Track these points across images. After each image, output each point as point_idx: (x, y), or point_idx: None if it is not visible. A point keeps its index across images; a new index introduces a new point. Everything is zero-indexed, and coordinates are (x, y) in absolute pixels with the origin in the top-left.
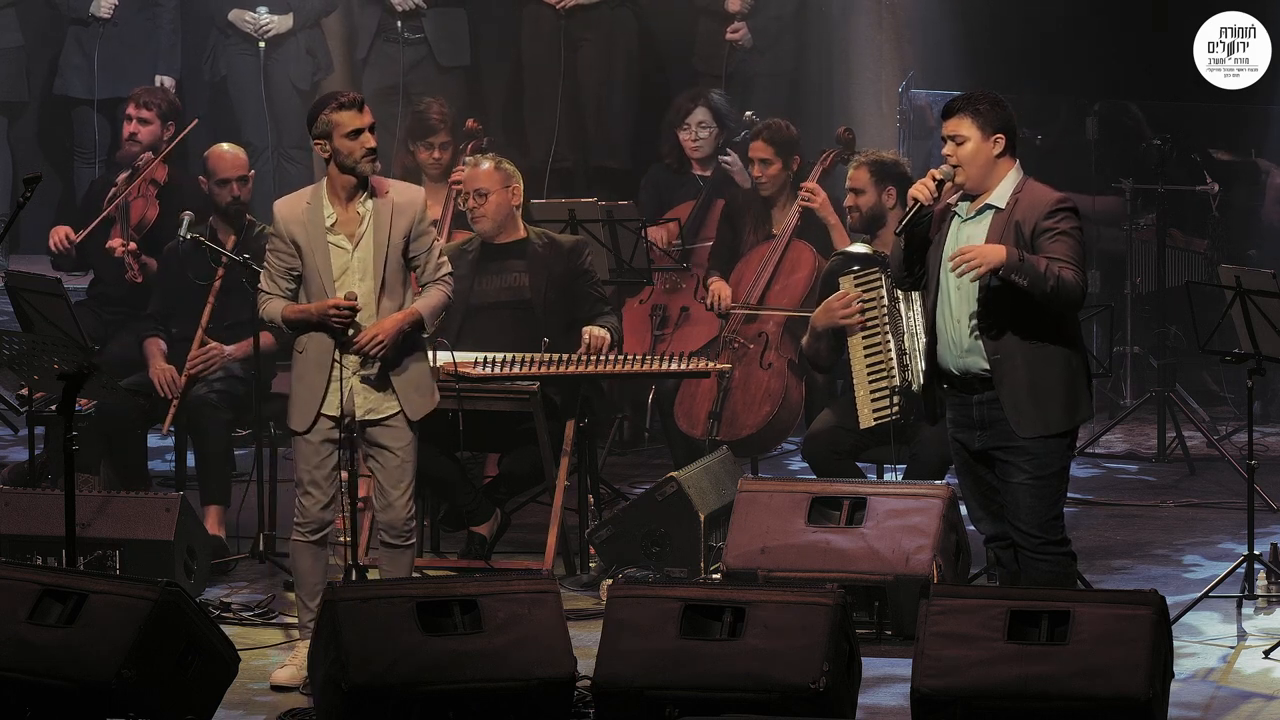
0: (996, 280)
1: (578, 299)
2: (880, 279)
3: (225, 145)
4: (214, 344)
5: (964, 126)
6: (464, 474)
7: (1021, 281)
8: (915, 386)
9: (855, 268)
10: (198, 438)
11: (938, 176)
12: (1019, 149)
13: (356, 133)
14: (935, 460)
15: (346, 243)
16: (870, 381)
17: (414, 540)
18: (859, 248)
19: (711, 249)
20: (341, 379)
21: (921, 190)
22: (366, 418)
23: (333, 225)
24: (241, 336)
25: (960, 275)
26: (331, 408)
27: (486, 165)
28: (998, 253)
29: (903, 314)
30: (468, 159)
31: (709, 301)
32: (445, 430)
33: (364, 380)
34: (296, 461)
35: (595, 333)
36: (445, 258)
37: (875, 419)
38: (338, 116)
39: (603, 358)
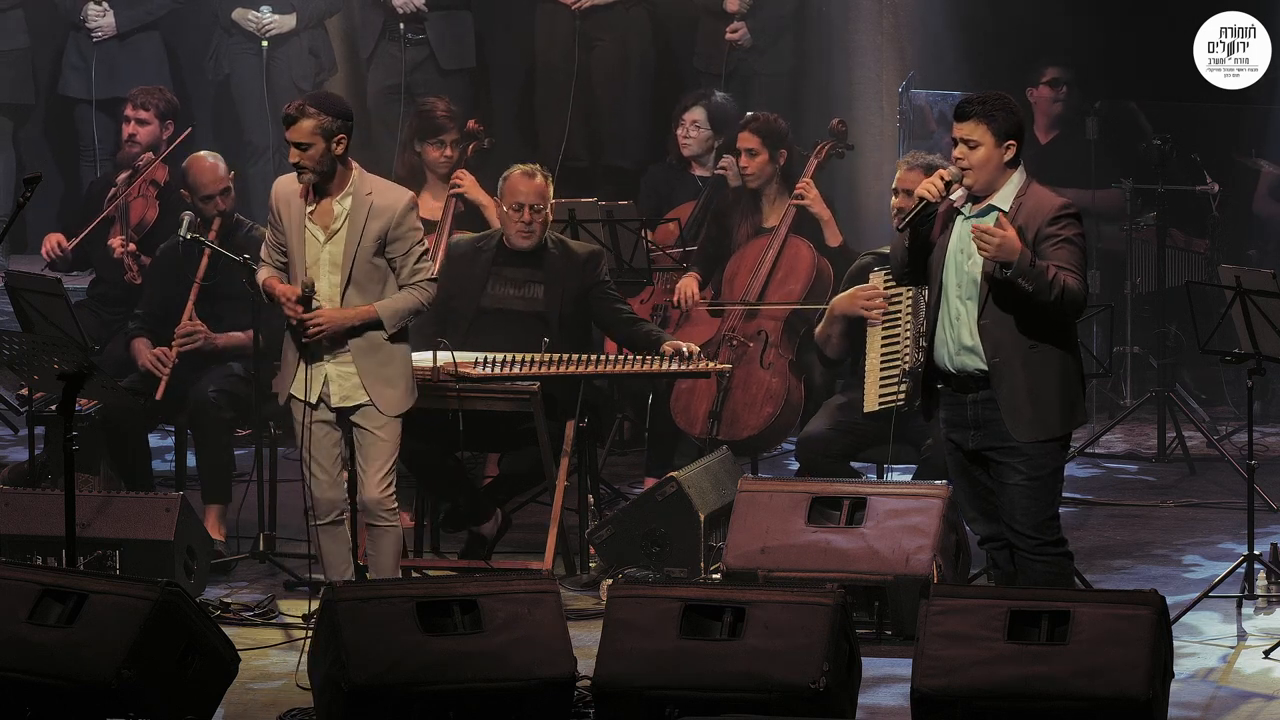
0: (1003, 275)
1: (594, 308)
2: None
3: (205, 155)
4: (199, 323)
5: (978, 132)
6: (464, 474)
7: (1027, 286)
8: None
9: (885, 266)
10: (200, 438)
11: (946, 177)
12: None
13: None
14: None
15: (320, 234)
16: (882, 368)
17: (393, 522)
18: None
19: (698, 246)
20: (308, 364)
21: (930, 189)
22: (342, 405)
23: (311, 213)
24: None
25: (977, 245)
26: (300, 391)
27: (540, 179)
28: (1015, 249)
29: (924, 302)
30: (525, 168)
31: (675, 298)
32: (445, 430)
33: (308, 362)
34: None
35: (678, 345)
36: (427, 263)
37: (880, 403)
38: None
39: (609, 358)
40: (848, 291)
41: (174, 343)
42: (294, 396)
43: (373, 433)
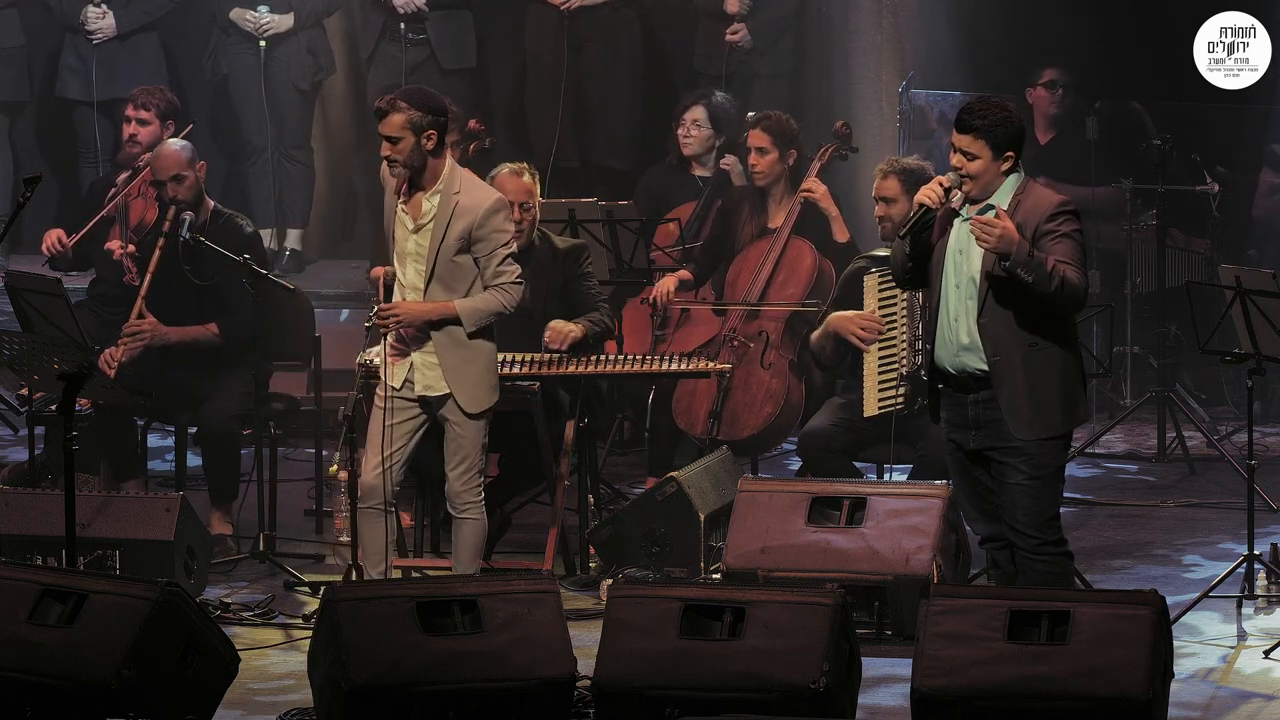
0: (1002, 269)
1: (573, 299)
2: None
3: (171, 142)
4: (150, 319)
5: (976, 146)
6: None
7: (1027, 277)
8: (924, 372)
9: (880, 269)
10: (211, 458)
11: (945, 184)
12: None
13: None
14: (943, 460)
15: (410, 222)
16: (880, 373)
17: (473, 515)
18: (884, 252)
19: (702, 244)
20: (396, 355)
21: (929, 195)
22: (425, 394)
23: (405, 202)
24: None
25: (976, 237)
26: (390, 378)
27: (528, 178)
28: (1014, 240)
29: (920, 302)
30: (513, 167)
31: (651, 295)
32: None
33: (396, 353)
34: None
35: (559, 326)
36: (510, 265)
37: (880, 408)
38: None
39: (609, 358)
40: (848, 314)
41: (120, 341)
42: (380, 379)
43: (454, 426)
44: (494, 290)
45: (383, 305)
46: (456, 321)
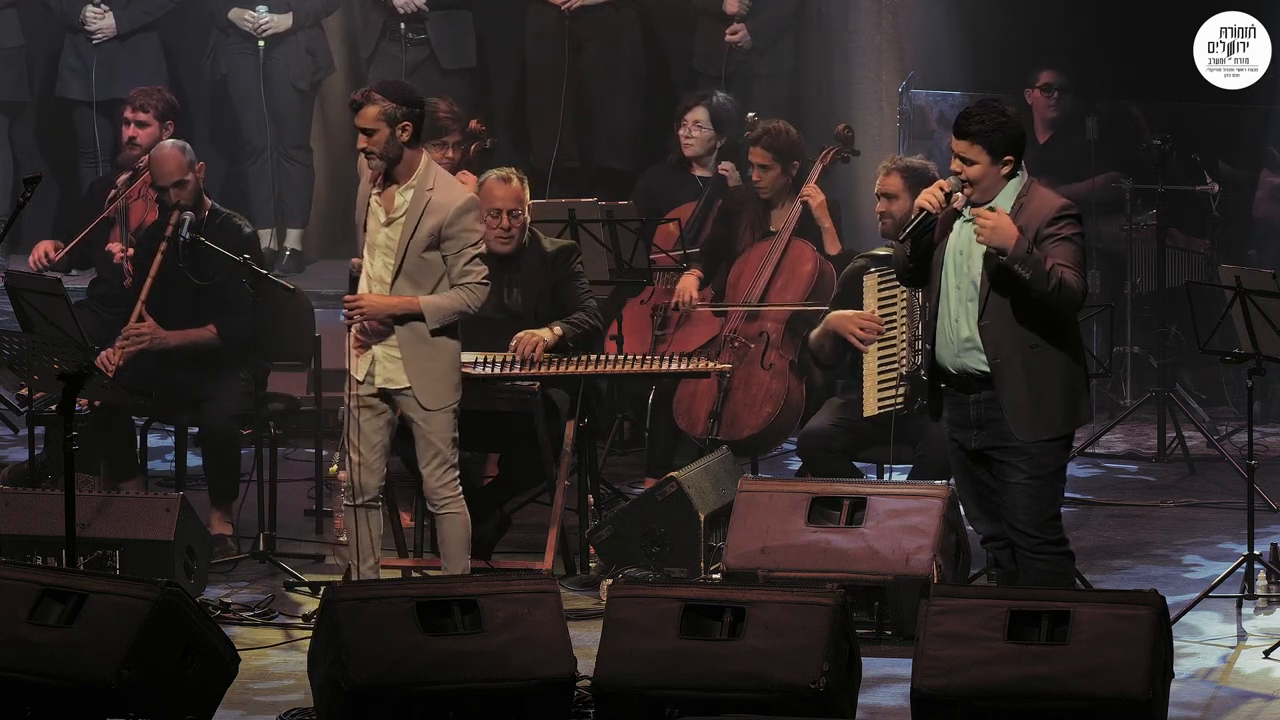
0: (1001, 261)
1: (562, 300)
2: None
3: (168, 145)
4: (150, 323)
5: (974, 151)
6: (464, 474)
7: (1024, 274)
8: (924, 372)
9: (879, 268)
10: (212, 458)
11: (946, 189)
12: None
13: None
14: (943, 460)
15: (382, 215)
16: (880, 373)
17: (453, 510)
18: (885, 251)
19: (702, 245)
20: (361, 346)
21: (929, 200)
22: (385, 386)
23: (380, 194)
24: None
25: (975, 231)
26: (354, 370)
27: (516, 183)
28: (1013, 235)
29: (920, 302)
30: (501, 173)
31: (674, 299)
32: None
33: (361, 345)
34: None
35: (524, 337)
36: (479, 266)
37: (879, 407)
38: None
39: (609, 358)
40: (847, 314)
41: (118, 343)
42: (354, 379)
43: (419, 424)
44: (460, 289)
45: (348, 297)
46: (420, 317)
